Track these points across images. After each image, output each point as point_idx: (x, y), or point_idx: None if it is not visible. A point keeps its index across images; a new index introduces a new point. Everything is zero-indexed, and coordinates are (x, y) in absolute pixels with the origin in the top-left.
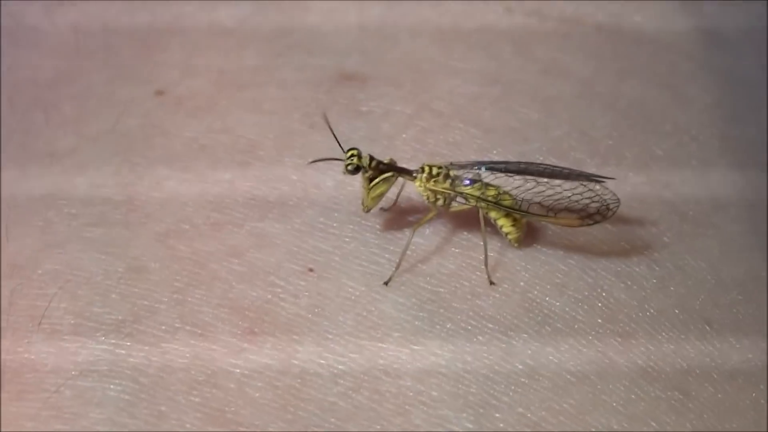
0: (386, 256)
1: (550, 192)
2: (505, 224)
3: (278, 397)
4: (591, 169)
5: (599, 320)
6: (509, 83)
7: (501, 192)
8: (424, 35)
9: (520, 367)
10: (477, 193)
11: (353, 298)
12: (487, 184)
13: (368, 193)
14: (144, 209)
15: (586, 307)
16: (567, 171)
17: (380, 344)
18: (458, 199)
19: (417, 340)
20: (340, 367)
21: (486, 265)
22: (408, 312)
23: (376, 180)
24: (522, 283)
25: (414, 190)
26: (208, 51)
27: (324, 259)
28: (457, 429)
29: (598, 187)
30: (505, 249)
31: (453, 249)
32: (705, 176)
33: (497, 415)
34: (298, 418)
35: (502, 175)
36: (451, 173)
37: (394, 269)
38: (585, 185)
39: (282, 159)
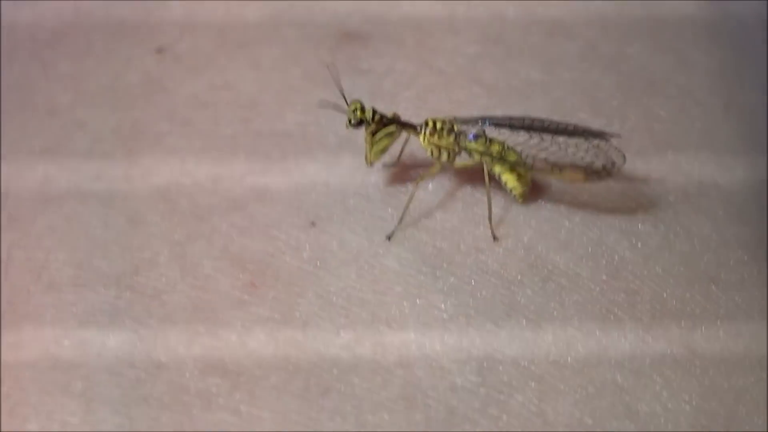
0: (389, 210)
1: (554, 148)
2: (509, 179)
3: (279, 348)
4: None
5: (604, 276)
6: (512, 43)
7: (506, 147)
8: None
9: (524, 322)
10: (481, 148)
11: (355, 252)
12: (492, 139)
13: (371, 147)
14: (144, 164)
15: (590, 263)
16: (572, 127)
17: (383, 298)
18: (462, 154)
19: (420, 294)
20: (342, 320)
21: (490, 220)
22: (411, 266)
23: (379, 134)
24: (526, 239)
25: (418, 145)
26: (208, 8)
27: (326, 213)
28: (460, 381)
29: (603, 143)
30: (509, 204)
31: (456, 204)
32: (709, 138)
33: (500, 368)
34: (299, 369)
35: (507, 130)
36: (456, 128)
37: (396, 224)
38: (590, 141)
39: (284, 115)
